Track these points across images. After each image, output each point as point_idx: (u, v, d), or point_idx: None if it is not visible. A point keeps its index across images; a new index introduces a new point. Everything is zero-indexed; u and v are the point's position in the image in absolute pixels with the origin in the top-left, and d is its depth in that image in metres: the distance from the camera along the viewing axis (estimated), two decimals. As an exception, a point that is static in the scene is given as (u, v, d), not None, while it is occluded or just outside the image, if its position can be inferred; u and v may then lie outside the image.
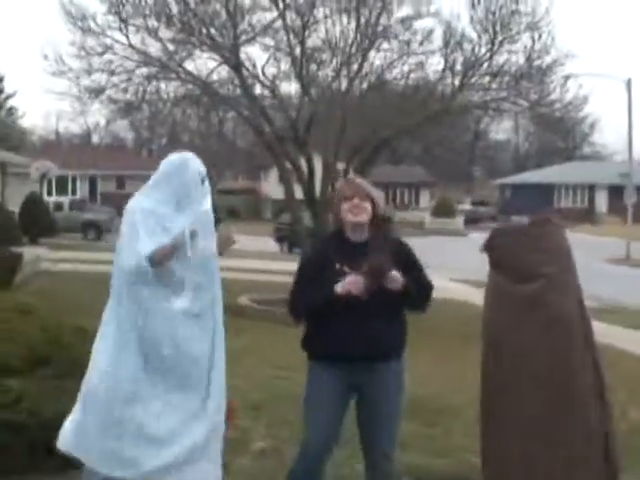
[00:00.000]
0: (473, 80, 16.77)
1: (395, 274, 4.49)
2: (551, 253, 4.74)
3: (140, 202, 4.73)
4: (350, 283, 4.46)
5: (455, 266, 27.16)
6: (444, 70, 16.97)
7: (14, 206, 30.04)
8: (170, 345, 4.55)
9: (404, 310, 4.75)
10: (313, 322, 4.70)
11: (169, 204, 4.68)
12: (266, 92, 17.47)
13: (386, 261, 4.50)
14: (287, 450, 6.49)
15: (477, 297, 19.62)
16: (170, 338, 4.55)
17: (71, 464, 5.76)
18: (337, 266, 4.56)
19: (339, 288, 4.47)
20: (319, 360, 4.68)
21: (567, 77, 18.36)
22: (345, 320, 4.53)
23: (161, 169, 4.88)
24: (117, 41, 16.36)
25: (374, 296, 4.47)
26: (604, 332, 14.03)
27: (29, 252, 20.05)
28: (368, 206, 4.64)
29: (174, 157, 4.90)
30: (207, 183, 4.83)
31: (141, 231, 4.56)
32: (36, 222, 30.32)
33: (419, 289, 4.65)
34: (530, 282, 4.68)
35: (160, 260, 4.51)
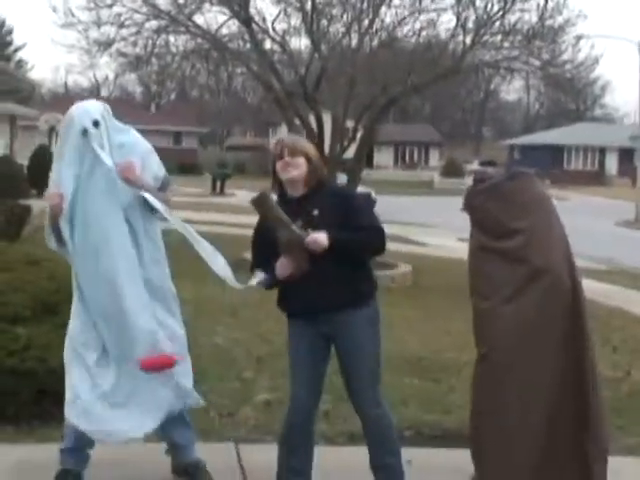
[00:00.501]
0: (485, 38, 16.62)
1: (312, 237, 4.49)
2: (527, 207, 4.72)
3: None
4: (280, 269, 4.55)
5: (463, 226, 27.04)
6: (456, 28, 16.80)
7: (23, 159, 30.02)
8: None
9: (357, 259, 4.72)
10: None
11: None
12: (276, 47, 17.34)
13: (292, 233, 4.48)
14: (291, 402, 6.56)
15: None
16: None
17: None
18: (283, 217, 4.55)
19: (279, 276, 4.57)
20: (290, 317, 4.81)
21: (579, 37, 18.22)
22: (302, 277, 4.57)
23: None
24: (126, -7, 16.25)
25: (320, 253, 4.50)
26: (613, 294, 14.11)
27: (37, 205, 20.07)
28: (300, 161, 4.67)
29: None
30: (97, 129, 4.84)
31: None
32: (45, 175, 30.18)
33: (362, 235, 4.61)
34: (509, 238, 4.69)
35: None
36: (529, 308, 4.60)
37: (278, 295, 4.85)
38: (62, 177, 4.82)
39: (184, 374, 4.92)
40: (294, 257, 4.51)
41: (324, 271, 4.55)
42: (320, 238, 4.49)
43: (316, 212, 4.63)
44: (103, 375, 4.77)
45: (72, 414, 4.78)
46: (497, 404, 4.66)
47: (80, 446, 4.90)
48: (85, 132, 4.79)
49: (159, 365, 4.74)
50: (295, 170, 4.67)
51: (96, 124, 4.81)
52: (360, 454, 5.36)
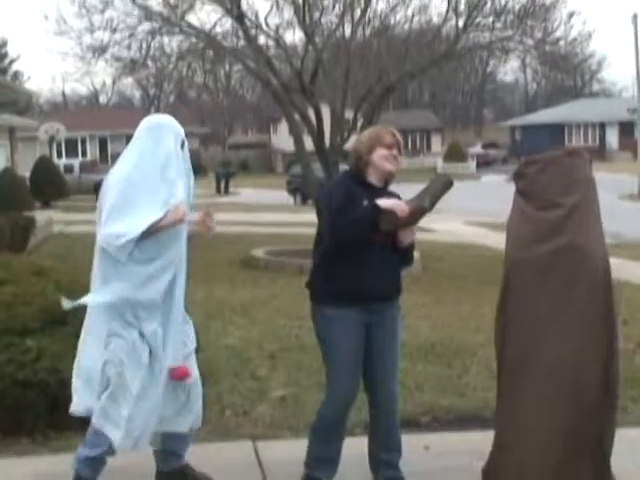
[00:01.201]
0: (477, 20, 16.59)
1: (413, 229, 4.70)
2: (578, 184, 4.75)
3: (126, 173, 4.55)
4: (396, 204, 4.55)
5: (469, 209, 27.14)
6: (447, 11, 16.77)
7: (24, 170, 30.09)
8: None
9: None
10: (328, 264, 4.69)
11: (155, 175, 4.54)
12: (270, 42, 17.33)
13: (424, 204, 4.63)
14: (307, 397, 6.56)
15: (492, 239, 19.69)
16: None
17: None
18: (365, 203, 4.57)
19: (382, 203, 4.53)
20: (336, 305, 4.65)
21: (571, 14, 18.20)
22: (358, 266, 4.60)
23: (141, 134, 4.66)
24: (117, -3, 16.25)
25: (383, 245, 4.61)
26: (621, 268, 14.05)
27: (41, 216, 20.13)
28: (400, 159, 4.80)
29: (151, 122, 4.71)
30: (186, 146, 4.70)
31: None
32: (47, 185, 30.36)
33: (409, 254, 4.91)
34: (549, 210, 4.70)
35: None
36: (559, 280, 4.59)
37: (317, 276, 4.76)
38: (176, 186, 4.55)
39: (198, 396, 4.86)
40: (409, 217, 4.58)
41: (380, 261, 4.64)
42: (412, 235, 4.78)
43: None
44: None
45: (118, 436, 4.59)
46: (520, 375, 4.64)
47: (104, 457, 4.81)
48: (183, 144, 4.65)
49: (184, 374, 4.69)
50: (398, 165, 4.80)
51: (183, 144, 4.68)
52: None
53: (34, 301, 6.20)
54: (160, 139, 4.56)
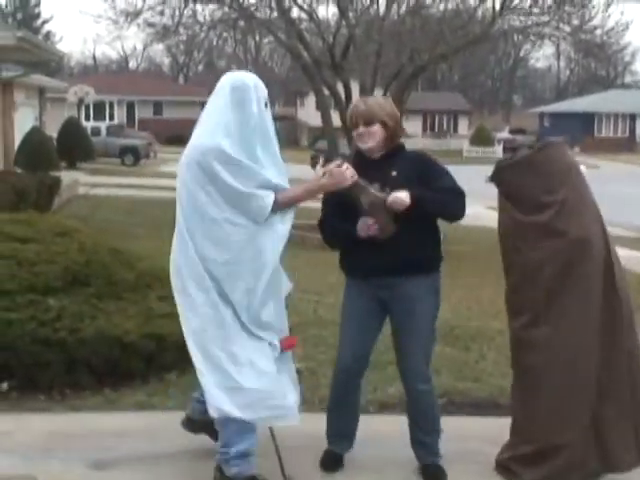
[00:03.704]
0: (514, 4, 16.46)
1: (393, 197, 4.42)
2: (557, 178, 4.61)
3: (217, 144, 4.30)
4: (361, 230, 4.45)
5: (493, 194, 26.84)
6: (484, -7, 16.69)
7: (52, 131, 30.18)
8: None
9: (431, 224, 4.67)
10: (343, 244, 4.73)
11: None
12: (303, 15, 17.28)
13: (374, 195, 4.44)
14: (322, 372, 6.56)
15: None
16: None
17: (108, 382, 5.92)
18: (362, 183, 4.47)
19: (360, 235, 4.47)
20: (351, 277, 4.71)
21: (609, 3, 18.01)
22: (372, 242, 4.50)
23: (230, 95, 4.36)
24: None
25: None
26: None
27: (67, 177, 20.20)
28: (374, 129, 4.55)
29: (240, 80, 4.42)
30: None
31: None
32: (74, 147, 30.44)
33: (443, 196, 4.53)
34: (540, 212, 4.60)
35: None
36: (568, 278, 4.55)
37: (340, 254, 4.77)
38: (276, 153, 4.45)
39: None
40: (378, 220, 4.44)
41: (397, 237, 4.47)
42: (401, 196, 4.40)
43: (394, 173, 4.54)
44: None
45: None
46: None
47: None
48: (267, 105, 4.45)
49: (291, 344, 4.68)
50: (371, 140, 4.58)
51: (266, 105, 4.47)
52: (390, 423, 5.43)
53: (57, 260, 6.23)
54: (245, 102, 4.35)
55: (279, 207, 4.36)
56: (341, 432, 4.87)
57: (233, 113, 4.33)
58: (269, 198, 4.31)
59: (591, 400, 4.60)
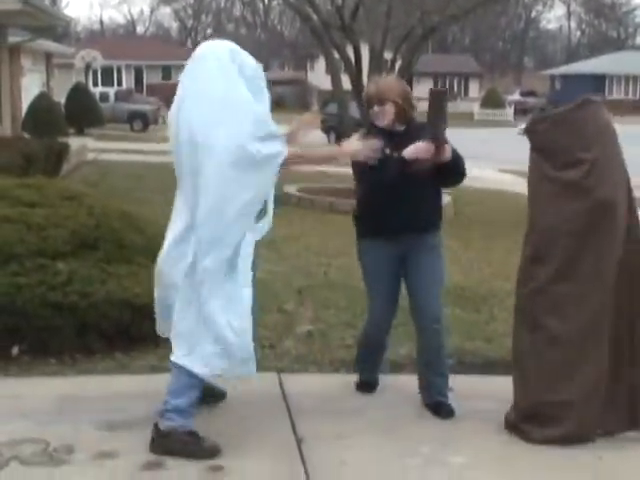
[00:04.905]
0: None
1: (447, 146, 4.70)
2: (592, 137, 4.61)
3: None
4: (419, 150, 4.64)
5: (504, 157, 26.85)
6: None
7: (60, 97, 30.09)
8: None
9: (438, 190, 5.05)
10: (365, 203, 5.01)
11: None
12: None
13: (441, 133, 4.67)
14: (332, 334, 6.57)
15: (525, 187, 19.43)
16: None
17: (119, 346, 5.92)
18: (387, 151, 4.67)
19: (407, 153, 4.65)
20: (367, 236, 5.02)
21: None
22: (389, 200, 4.83)
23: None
24: None
25: (412, 178, 4.67)
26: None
27: (75, 142, 20.16)
28: (387, 108, 4.86)
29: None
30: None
31: None
32: (82, 112, 30.35)
33: (458, 160, 4.88)
34: (572, 168, 4.59)
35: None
36: (591, 240, 4.53)
37: (358, 213, 5.06)
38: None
39: None
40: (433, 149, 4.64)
41: (414, 196, 4.82)
42: (449, 148, 4.71)
43: (437, 131, 4.76)
44: None
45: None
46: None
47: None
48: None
49: None
50: (385, 118, 4.89)
51: None
52: (400, 381, 5.54)
53: (66, 225, 6.21)
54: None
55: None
56: (370, 363, 5.34)
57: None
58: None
59: (604, 359, 4.60)
